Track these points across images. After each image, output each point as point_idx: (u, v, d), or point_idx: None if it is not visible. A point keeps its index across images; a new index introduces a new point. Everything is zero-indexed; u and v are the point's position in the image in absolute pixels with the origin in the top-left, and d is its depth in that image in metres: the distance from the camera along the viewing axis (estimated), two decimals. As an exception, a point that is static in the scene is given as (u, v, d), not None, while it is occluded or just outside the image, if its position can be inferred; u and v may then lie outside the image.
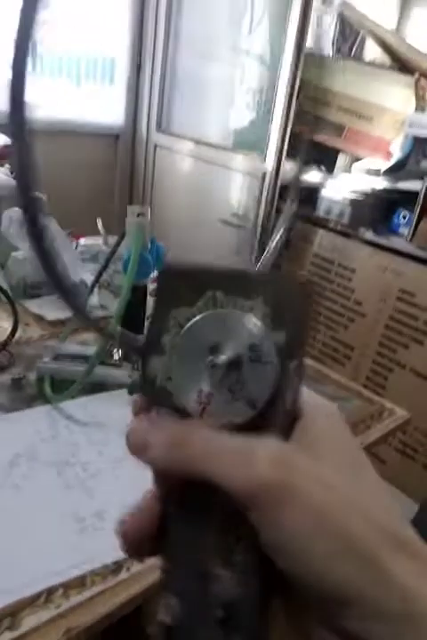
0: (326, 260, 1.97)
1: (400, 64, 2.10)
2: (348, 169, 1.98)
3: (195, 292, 0.24)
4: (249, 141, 2.13)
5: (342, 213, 1.86)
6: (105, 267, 0.79)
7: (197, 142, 2.21)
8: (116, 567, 0.48)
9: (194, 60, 2.30)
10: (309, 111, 2.07)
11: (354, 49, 2.47)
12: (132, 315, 0.64)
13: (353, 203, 1.83)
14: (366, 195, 1.85)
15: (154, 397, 0.24)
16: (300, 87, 1.80)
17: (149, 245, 0.64)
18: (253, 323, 0.23)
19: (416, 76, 1.77)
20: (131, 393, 0.71)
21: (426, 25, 2.55)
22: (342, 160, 1.99)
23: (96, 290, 0.92)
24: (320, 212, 1.95)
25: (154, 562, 0.50)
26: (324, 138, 2.04)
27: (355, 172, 1.95)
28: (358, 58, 2.40)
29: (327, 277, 1.96)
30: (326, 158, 2.09)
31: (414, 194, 1.69)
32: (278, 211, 1.97)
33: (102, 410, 0.68)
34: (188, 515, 0.24)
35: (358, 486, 0.22)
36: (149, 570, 0.49)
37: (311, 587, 0.21)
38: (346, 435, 0.25)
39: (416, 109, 1.75)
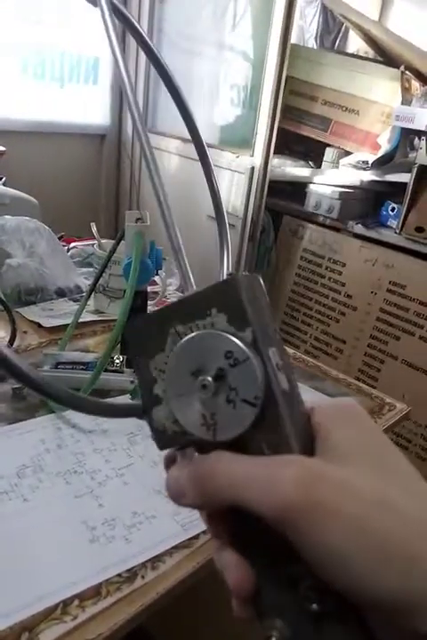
0: (315, 254, 1.97)
1: (384, 55, 2.12)
2: (335, 163, 1.99)
3: (161, 336, 0.25)
4: (235, 138, 2.13)
5: (330, 208, 1.87)
6: (102, 271, 0.78)
7: (183, 140, 2.20)
8: (131, 575, 0.48)
9: (178, 57, 2.29)
10: (293, 106, 2.07)
11: (337, 41, 2.48)
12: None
13: (342, 196, 1.84)
14: (355, 188, 1.86)
15: (171, 443, 0.26)
16: (285, 81, 1.80)
17: (149, 250, 0.63)
18: (218, 334, 0.24)
19: (402, 68, 1.78)
20: (133, 398, 0.70)
21: (408, 15, 2.57)
22: (329, 154, 2.00)
23: (92, 294, 0.91)
24: (309, 207, 1.96)
25: (168, 568, 0.50)
26: (310, 132, 2.05)
27: (343, 165, 1.95)
28: (342, 50, 2.41)
29: (318, 272, 1.97)
30: (313, 153, 2.10)
31: (403, 186, 1.70)
32: (267, 206, 1.97)
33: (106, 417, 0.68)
34: (249, 535, 0.24)
35: (388, 484, 0.22)
36: (164, 576, 0.49)
37: (365, 598, 0.20)
38: (368, 431, 0.25)
39: (403, 102, 1.76)
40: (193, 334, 0.24)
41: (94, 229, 0.90)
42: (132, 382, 0.71)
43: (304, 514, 0.20)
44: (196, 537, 0.53)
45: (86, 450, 0.62)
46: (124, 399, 0.71)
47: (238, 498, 0.22)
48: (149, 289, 1.07)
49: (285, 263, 2.06)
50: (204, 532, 0.54)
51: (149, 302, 1.01)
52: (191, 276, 0.27)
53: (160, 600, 0.48)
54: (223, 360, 0.23)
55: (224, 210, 0.29)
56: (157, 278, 1.06)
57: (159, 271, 0.72)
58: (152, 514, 0.55)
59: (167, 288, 1.15)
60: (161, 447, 0.26)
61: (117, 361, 0.73)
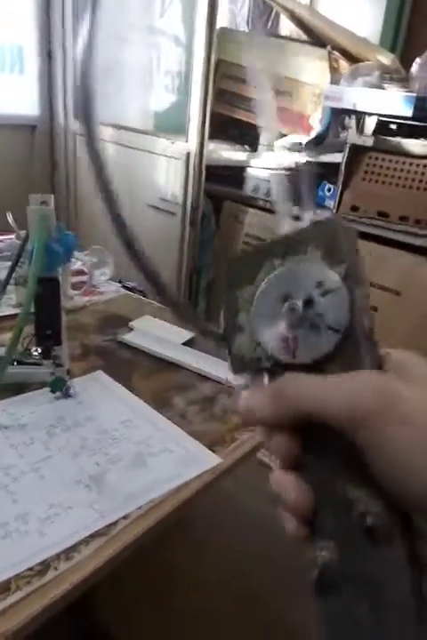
0: (257, 238, 1.98)
1: (314, 38, 2.14)
2: (271, 146, 2.00)
3: (254, 270, 0.27)
4: (171, 124, 2.10)
5: (268, 191, 1.88)
6: (17, 262, 0.76)
7: (118, 128, 2.16)
8: (44, 568, 0.47)
9: (108, 44, 2.23)
10: (227, 90, 2.06)
11: (269, 24, 2.49)
12: (45, 309, 0.62)
13: (278, 179, 1.85)
14: (291, 170, 1.87)
15: (246, 369, 0.27)
16: (217, 66, 1.80)
17: (58, 235, 0.61)
18: (313, 265, 0.26)
19: (328, 47, 1.80)
20: (53, 391, 0.68)
21: (337, -1, 2.59)
22: (264, 137, 2.01)
23: (14, 287, 0.88)
24: (248, 191, 1.96)
25: (82, 558, 0.49)
26: (244, 116, 2.05)
27: (278, 148, 1.97)
28: (274, 33, 2.42)
29: (259, 254, 1.98)
30: (249, 136, 2.10)
31: (337, 166, 1.73)
32: (207, 192, 1.96)
33: (24, 411, 0.66)
34: (312, 459, 0.26)
35: None
36: (78, 566, 0.48)
37: (420, 498, 0.23)
38: None
39: (331, 81, 1.78)
40: (287, 265, 0.26)
41: (10, 218, 0.86)
42: (51, 374, 0.69)
43: (381, 422, 0.23)
44: (114, 523, 0.52)
45: (1, 445, 0.60)
46: (44, 392, 0.69)
47: (316, 408, 0.24)
48: (78, 279, 1.05)
49: (227, 248, 2.06)
50: (124, 518, 0.53)
51: (76, 292, 0.99)
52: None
53: (73, 591, 0.46)
54: (314, 289, 0.25)
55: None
56: (84, 268, 1.04)
57: (71, 257, 0.70)
58: (69, 505, 0.53)
59: (100, 277, 1.13)
60: (235, 372, 0.28)
61: (35, 353, 0.70)
